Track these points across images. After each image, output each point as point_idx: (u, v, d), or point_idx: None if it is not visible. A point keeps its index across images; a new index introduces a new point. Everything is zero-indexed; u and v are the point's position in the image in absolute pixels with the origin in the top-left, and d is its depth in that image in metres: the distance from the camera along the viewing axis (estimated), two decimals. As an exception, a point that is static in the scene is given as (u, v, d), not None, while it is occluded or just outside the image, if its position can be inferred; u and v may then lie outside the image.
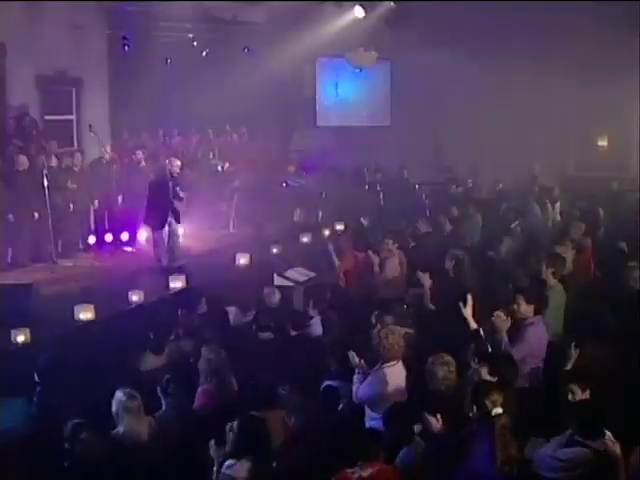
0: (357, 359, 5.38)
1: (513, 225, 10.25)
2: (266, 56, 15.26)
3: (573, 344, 5.70)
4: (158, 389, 5.33)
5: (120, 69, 14.09)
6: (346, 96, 18.05)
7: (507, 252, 9.51)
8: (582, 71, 15.86)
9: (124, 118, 14.11)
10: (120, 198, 12.07)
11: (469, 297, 5.66)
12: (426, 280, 6.89)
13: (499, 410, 4.29)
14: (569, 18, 14.88)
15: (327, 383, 5.74)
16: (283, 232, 12.46)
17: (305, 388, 5.57)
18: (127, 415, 4.87)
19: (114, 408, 4.94)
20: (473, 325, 5.59)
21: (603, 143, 16.98)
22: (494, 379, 4.81)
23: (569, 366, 5.68)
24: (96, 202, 11.74)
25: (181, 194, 10.04)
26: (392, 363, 5.32)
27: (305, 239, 11.98)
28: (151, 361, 6.37)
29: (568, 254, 7.77)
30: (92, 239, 11.83)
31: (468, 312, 5.65)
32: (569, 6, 14.28)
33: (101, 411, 5.21)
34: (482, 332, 5.53)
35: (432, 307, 6.68)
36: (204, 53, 15.64)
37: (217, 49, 15.62)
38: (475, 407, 4.37)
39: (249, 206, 14.06)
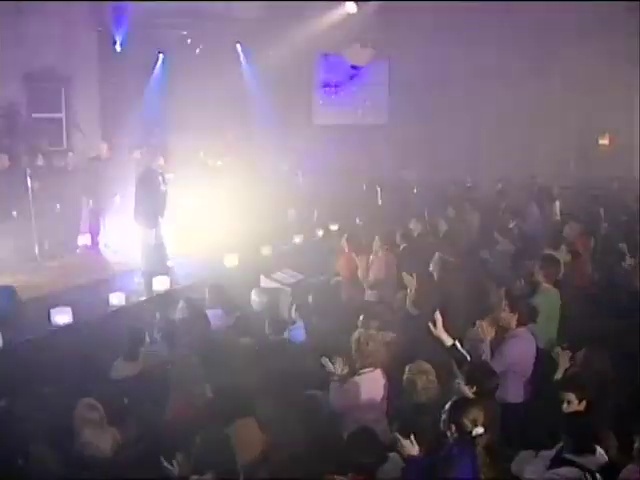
0: (331, 366, 5.07)
1: (510, 226, 9.92)
2: (261, 53, 14.99)
3: (559, 349, 5.40)
4: (125, 399, 5.03)
5: (111, 66, 13.83)
6: (343, 94, 17.73)
7: (503, 254, 9.22)
8: (583, 69, 15.60)
9: (116, 116, 13.84)
10: (112, 198, 11.80)
11: (438, 316, 5.19)
12: (412, 283, 6.54)
13: (480, 430, 3.89)
14: (570, 15, 14.61)
15: (308, 392, 5.46)
16: (275, 232, 12.17)
17: (284, 397, 5.29)
18: (87, 427, 4.59)
19: (75, 420, 4.65)
20: (448, 342, 5.14)
21: (604, 142, 16.66)
22: (472, 389, 4.48)
23: (559, 375, 5.40)
24: (87, 202, 11.50)
25: (162, 187, 9.75)
26: (369, 370, 5.02)
27: (297, 240, 11.68)
28: (124, 368, 6.07)
29: (563, 256, 7.45)
30: (81, 240, 11.62)
31: (439, 331, 5.14)
32: (569, 4, 14.02)
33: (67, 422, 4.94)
34: (459, 345, 5.13)
35: (415, 312, 6.34)
36: (197, 50, 15.44)
37: (211, 46, 15.40)
38: (454, 427, 3.98)
39: (243, 205, 13.79)
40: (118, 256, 11.07)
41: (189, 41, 15.33)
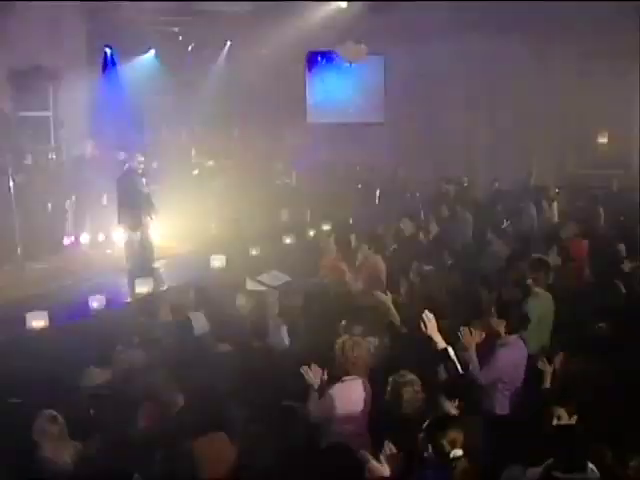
0: (311, 377, 4.78)
1: (503, 226, 9.62)
2: (252, 50, 14.73)
3: (551, 359, 5.14)
4: (91, 410, 4.75)
5: (101, 63, 13.60)
6: (337, 92, 17.42)
7: (497, 255, 8.94)
8: (582, 67, 15.34)
9: (106, 114, 13.60)
10: (97, 197, 11.55)
11: (429, 315, 4.93)
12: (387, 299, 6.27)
13: (459, 452, 3.60)
14: (568, 13, 14.34)
15: (285, 403, 5.17)
16: (266, 232, 11.91)
17: (260, 408, 5.01)
18: (46, 441, 4.31)
19: (34, 433, 4.38)
20: (441, 344, 4.88)
21: (603, 140, 16.35)
22: (454, 403, 4.19)
23: (547, 383, 5.12)
24: (72, 202, 11.25)
25: (145, 188, 9.48)
26: (351, 378, 4.73)
27: (288, 240, 11.40)
28: (96, 376, 5.78)
29: (557, 258, 7.17)
30: (67, 240, 11.38)
31: (431, 330, 4.90)
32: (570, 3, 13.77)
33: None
34: (452, 351, 4.84)
35: (397, 320, 6.09)
36: (190, 47, 15.22)
37: (203, 44, 15.18)
38: (430, 448, 3.67)
39: (234, 205, 13.54)
40: (103, 257, 10.81)
41: (180, 38, 15.12)
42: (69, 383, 5.66)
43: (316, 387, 4.76)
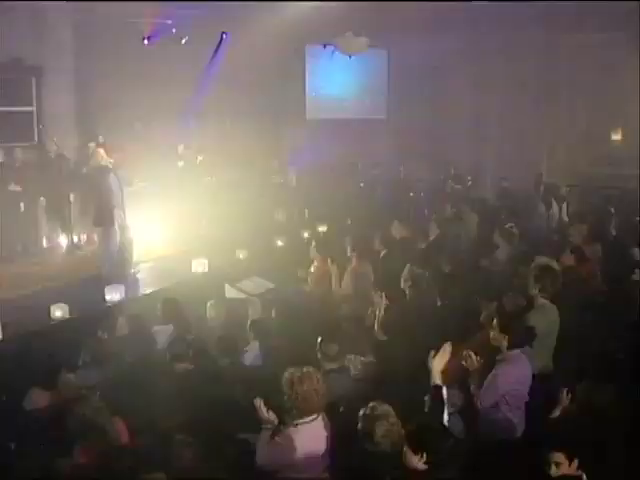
0: (265, 410, 4.06)
1: (507, 226, 8.87)
2: (248, 43, 14.08)
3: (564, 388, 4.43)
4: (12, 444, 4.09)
5: (88, 57, 12.99)
6: (338, 87, 16.73)
7: (505, 260, 8.21)
8: (593, 61, 14.62)
9: (94, 110, 13.01)
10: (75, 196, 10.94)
11: (447, 347, 4.30)
12: (380, 301, 5.55)
13: None
14: (576, 6, 13.62)
15: (242, 436, 4.48)
16: (259, 234, 11.23)
17: (214, 441, 4.33)
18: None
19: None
20: (436, 381, 4.25)
21: (617, 137, 15.56)
22: (422, 458, 3.44)
23: (557, 413, 4.42)
24: (44, 201, 10.66)
25: (115, 185, 8.83)
26: (309, 419, 3.99)
27: (280, 242, 10.70)
28: (39, 398, 5.11)
29: (570, 257, 6.45)
30: (46, 243, 10.80)
31: (436, 364, 4.28)
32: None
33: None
34: (446, 394, 4.16)
35: (382, 336, 5.39)
36: (183, 41, 14.62)
37: (197, 37, 14.56)
38: None
39: (226, 205, 12.89)
40: (80, 261, 10.18)
41: (174, 31, 14.52)
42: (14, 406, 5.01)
43: (269, 427, 4.04)
